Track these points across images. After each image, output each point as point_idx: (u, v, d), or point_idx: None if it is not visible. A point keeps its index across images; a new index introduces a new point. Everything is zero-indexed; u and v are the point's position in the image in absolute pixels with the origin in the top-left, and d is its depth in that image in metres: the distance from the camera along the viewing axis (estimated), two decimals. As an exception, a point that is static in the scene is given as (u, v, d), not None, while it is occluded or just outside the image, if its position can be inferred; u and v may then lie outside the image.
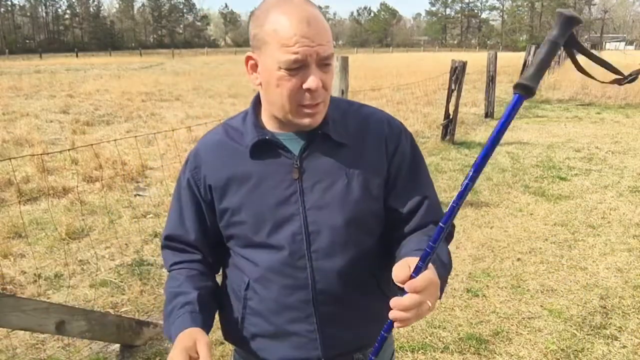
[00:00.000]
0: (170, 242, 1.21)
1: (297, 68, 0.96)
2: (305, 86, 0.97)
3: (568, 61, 21.96)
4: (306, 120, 1.03)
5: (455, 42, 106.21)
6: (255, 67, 1.04)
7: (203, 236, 1.19)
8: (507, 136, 8.50)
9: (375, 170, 1.10)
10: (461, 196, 0.79)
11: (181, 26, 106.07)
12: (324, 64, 0.98)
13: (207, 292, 1.15)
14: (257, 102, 1.14)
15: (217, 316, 1.20)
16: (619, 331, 2.85)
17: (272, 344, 1.15)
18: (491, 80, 10.28)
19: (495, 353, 2.66)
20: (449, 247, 1.13)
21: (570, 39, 0.75)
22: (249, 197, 1.09)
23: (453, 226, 1.10)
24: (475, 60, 18.58)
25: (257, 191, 1.08)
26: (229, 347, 2.70)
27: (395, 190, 1.13)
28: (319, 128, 1.07)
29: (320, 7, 1.04)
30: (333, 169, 1.08)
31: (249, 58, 1.04)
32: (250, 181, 1.09)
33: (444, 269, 1.02)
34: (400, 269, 0.87)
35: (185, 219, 1.19)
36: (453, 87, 7.68)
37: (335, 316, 1.11)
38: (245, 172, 1.09)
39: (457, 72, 7.58)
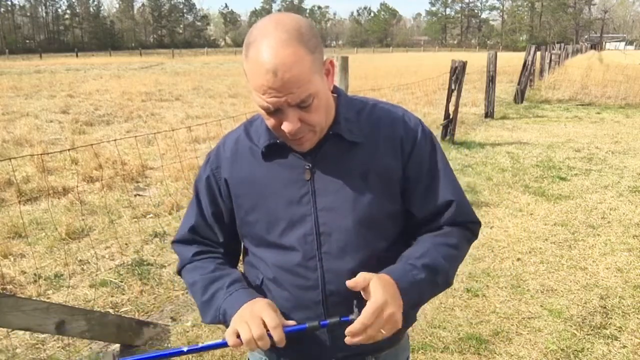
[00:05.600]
0: (193, 234, 1.20)
1: (272, 112, 0.98)
2: (282, 128, 0.99)
3: (568, 61, 21.96)
4: (297, 147, 1.05)
5: (455, 42, 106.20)
6: None
7: (227, 235, 1.20)
8: (507, 136, 8.50)
9: (390, 170, 1.09)
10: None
11: (181, 26, 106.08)
12: (301, 106, 0.97)
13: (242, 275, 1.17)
14: None
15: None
16: (619, 331, 2.85)
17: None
18: (491, 80, 10.28)
19: (495, 353, 2.66)
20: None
21: None
22: (262, 198, 1.10)
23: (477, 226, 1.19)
24: (475, 60, 18.59)
25: (270, 192, 1.09)
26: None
27: (416, 194, 1.11)
28: (331, 128, 1.07)
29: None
30: (345, 169, 1.08)
31: None
32: (263, 182, 1.10)
33: (432, 274, 1.05)
34: (354, 283, 0.98)
35: (206, 217, 1.19)
36: (453, 87, 7.68)
37: None
38: (259, 173, 1.11)
39: (457, 72, 7.58)
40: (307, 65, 0.94)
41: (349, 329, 0.95)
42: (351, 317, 0.97)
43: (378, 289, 0.96)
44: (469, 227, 1.16)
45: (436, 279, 1.06)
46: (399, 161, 1.09)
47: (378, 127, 1.11)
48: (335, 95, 1.12)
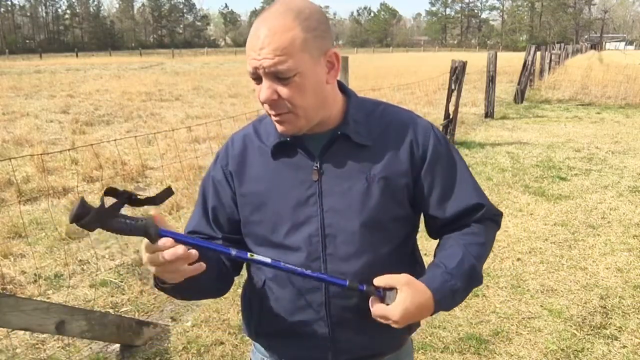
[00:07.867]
0: (195, 234, 1.16)
1: (256, 79, 0.99)
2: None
3: (568, 61, 21.96)
4: (278, 127, 1.04)
5: (455, 42, 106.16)
6: None
7: (230, 234, 1.16)
8: (507, 136, 8.50)
9: (398, 174, 1.08)
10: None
11: (181, 26, 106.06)
12: (278, 77, 0.96)
13: (216, 258, 1.10)
14: None
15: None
16: (619, 331, 2.85)
17: (286, 343, 1.15)
18: (491, 80, 10.28)
19: (495, 353, 2.66)
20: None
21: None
22: (269, 198, 1.09)
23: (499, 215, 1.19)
24: (475, 60, 18.57)
25: (277, 192, 1.08)
26: (229, 347, 2.70)
27: (435, 198, 1.11)
28: (339, 129, 1.07)
29: (319, 8, 1.03)
30: (353, 171, 1.07)
31: None
32: (270, 182, 1.09)
33: (469, 282, 1.06)
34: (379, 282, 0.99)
35: (209, 217, 1.16)
36: (453, 87, 7.68)
37: (349, 320, 1.09)
38: (267, 173, 1.10)
39: (457, 72, 7.57)
40: (295, 40, 0.95)
41: (372, 307, 0.99)
42: (366, 287, 0.99)
43: (405, 302, 0.96)
44: (494, 219, 1.18)
45: (471, 284, 1.08)
46: (408, 165, 1.08)
47: (388, 130, 1.10)
48: (345, 95, 1.12)
